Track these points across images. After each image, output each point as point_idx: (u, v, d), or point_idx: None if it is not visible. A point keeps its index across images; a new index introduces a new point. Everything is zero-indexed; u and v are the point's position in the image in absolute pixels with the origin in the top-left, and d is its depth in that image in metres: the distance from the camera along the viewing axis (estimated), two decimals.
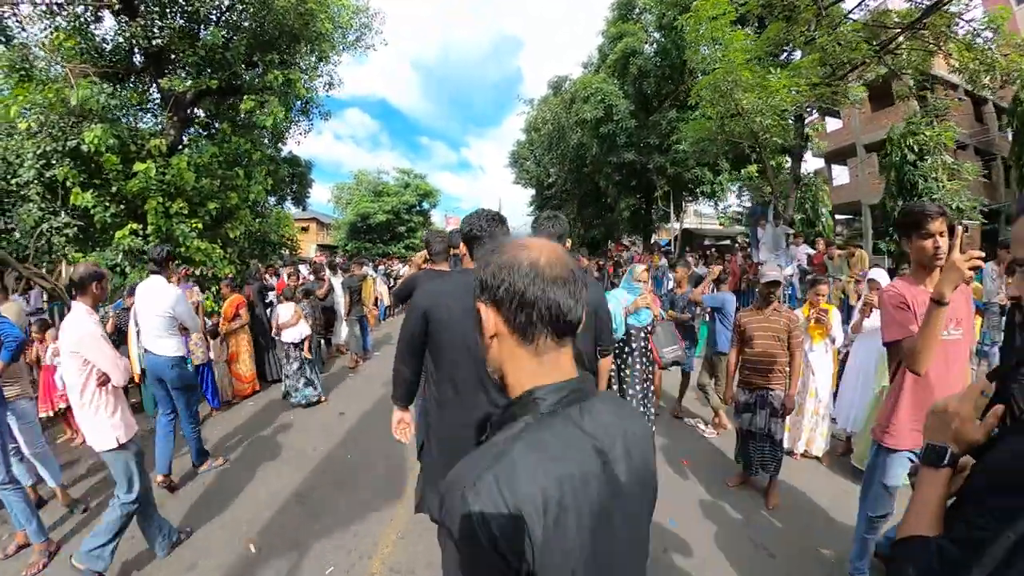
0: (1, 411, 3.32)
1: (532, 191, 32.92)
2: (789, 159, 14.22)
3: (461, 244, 2.40)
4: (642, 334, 4.15)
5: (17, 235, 8.23)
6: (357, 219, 33.32)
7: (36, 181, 7.56)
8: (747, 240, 14.64)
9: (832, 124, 21.86)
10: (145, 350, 4.38)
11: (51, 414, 5.24)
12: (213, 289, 8.27)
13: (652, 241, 23.23)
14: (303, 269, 12.67)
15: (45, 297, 8.50)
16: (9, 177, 7.69)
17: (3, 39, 8.56)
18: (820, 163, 24.35)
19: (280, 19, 9.26)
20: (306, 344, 6.50)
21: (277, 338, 6.72)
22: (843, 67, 10.43)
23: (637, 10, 18.59)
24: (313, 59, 11.37)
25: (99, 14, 9.06)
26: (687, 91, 14.43)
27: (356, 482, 4.39)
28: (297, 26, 9.53)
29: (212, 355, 6.44)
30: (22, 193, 7.75)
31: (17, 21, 8.69)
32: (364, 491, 4.20)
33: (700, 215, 28.53)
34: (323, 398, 6.65)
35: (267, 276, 10.96)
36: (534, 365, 0.86)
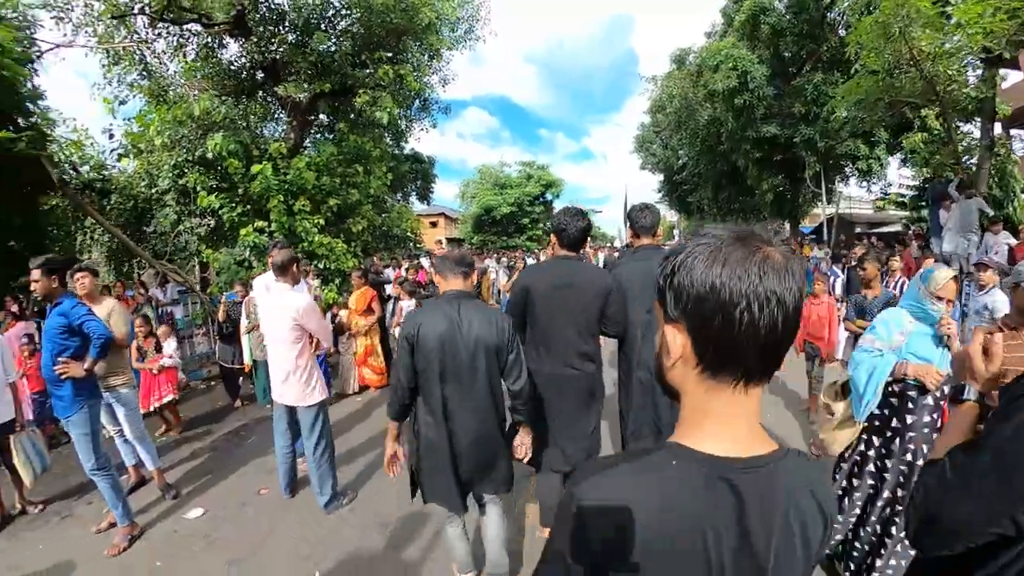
0: (98, 402, 3.73)
1: (661, 176, 31.60)
2: (966, 123, 11.70)
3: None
4: (927, 401, 2.67)
5: (156, 236, 9.73)
6: (481, 212, 34.99)
7: (172, 189, 8.83)
8: (922, 226, 12.39)
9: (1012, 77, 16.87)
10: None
11: (150, 410, 5.87)
12: (336, 282, 9.02)
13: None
14: (424, 262, 12.92)
15: (178, 290, 9.79)
16: (150, 187, 9.13)
17: (145, 73, 10.27)
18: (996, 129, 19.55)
19: (384, 17, 9.81)
20: None
21: (392, 332, 6.70)
22: None
23: None
24: (425, 58, 11.99)
25: (222, 41, 10.52)
26: (835, 47, 12.49)
27: None
28: (401, 22, 10.00)
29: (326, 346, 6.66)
30: (160, 200, 9.13)
31: (155, 56, 10.40)
32: None
33: (849, 198, 25.14)
34: None
35: (382, 269, 11.35)
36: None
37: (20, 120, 7.56)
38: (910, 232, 13.41)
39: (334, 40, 10.19)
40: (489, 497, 2.80)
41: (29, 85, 8.12)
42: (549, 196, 36.13)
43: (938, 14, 7.84)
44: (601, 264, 12.41)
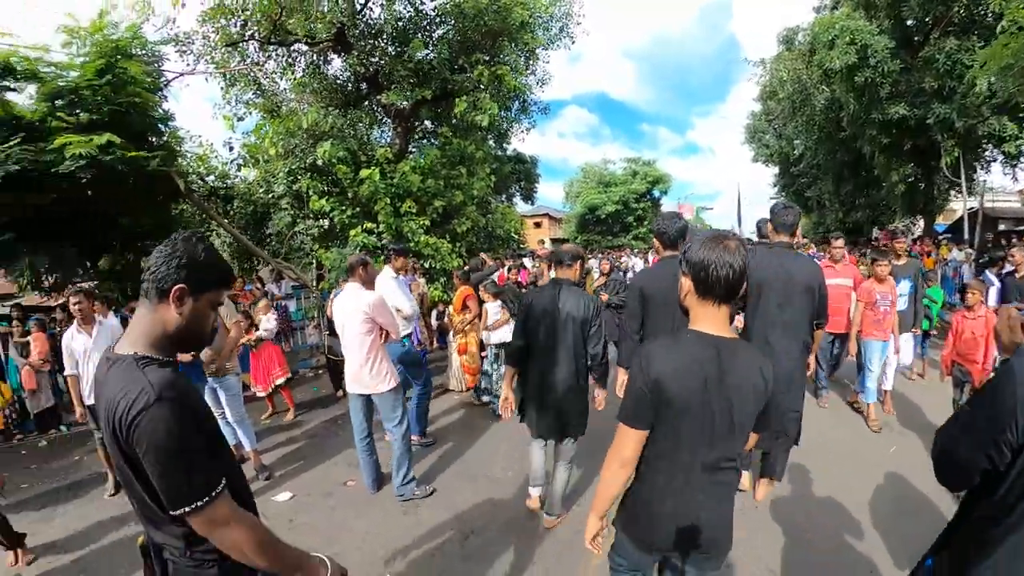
0: (202, 385, 4.51)
1: (775, 169, 29.84)
2: None
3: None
4: None
5: (274, 237, 10.92)
6: (585, 211, 35.23)
7: (287, 194, 9.95)
8: None
9: None
10: None
11: (268, 392, 6.60)
12: (441, 280, 9.71)
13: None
14: (527, 263, 13.13)
15: (292, 285, 11.02)
16: (267, 192, 10.31)
17: (259, 91, 11.78)
18: None
19: (478, 20, 10.38)
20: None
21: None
22: None
23: None
24: (521, 59, 12.39)
25: (327, 57, 11.69)
26: (969, 6, 11.10)
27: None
28: (495, 23, 10.50)
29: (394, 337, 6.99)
30: (277, 204, 10.24)
31: (267, 76, 11.80)
32: None
33: (991, 189, 22.16)
34: None
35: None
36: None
37: (153, 139, 8.67)
38: None
39: (431, 47, 10.89)
40: (566, 439, 3.62)
41: (160, 110, 9.24)
42: (656, 193, 35.77)
43: None
44: None
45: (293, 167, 9.64)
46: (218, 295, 1.49)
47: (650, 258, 14.93)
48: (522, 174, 20.69)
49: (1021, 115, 13.65)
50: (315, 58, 11.71)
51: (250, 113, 12.02)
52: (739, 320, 3.83)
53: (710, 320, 1.62)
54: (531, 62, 13.21)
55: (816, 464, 4.49)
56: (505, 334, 6.17)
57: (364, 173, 9.08)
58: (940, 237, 16.61)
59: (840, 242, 6.09)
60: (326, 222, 9.73)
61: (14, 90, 7.61)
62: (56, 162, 6.76)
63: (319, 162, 9.22)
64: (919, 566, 1.61)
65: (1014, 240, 12.14)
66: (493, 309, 6.52)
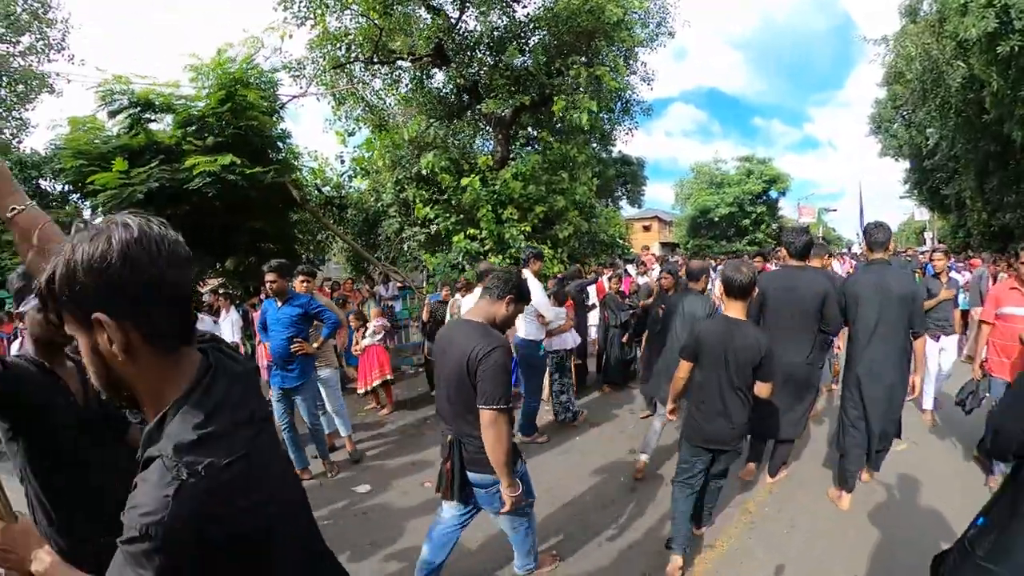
0: (315, 375, 5.02)
1: (906, 164, 27.58)
2: None
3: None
4: None
5: (384, 242, 11.63)
6: (696, 214, 33.80)
7: (394, 202, 10.48)
8: None
9: None
10: None
11: (366, 390, 6.89)
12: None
13: None
14: (630, 269, 12.67)
15: (398, 286, 11.52)
16: (377, 201, 11.04)
17: (367, 108, 12.52)
18: None
19: (572, 22, 10.42)
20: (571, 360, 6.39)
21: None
22: None
23: None
24: (621, 59, 12.32)
25: (429, 72, 12.26)
26: None
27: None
28: (589, 22, 10.47)
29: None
30: (385, 212, 10.85)
31: (374, 93, 12.73)
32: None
33: None
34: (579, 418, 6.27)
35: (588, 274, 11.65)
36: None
37: (272, 156, 9.58)
38: None
39: (527, 54, 11.12)
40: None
41: (278, 129, 10.17)
42: (773, 193, 33.66)
43: None
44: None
45: (400, 177, 10.18)
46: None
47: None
48: (628, 176, 20.43)
49: None
50: (417, 73, 12.30)
51: (359, 128, 12.81)
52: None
53: (732, 309, 3.08)
54: (631, 60, 13.16)
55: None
56: (564, 341, 5.94)
57: (465, 181, 9.40)
58: None
59: None
60: (431, 229, 10.12)
61: (154, 121, 8.94)
62: (188, 179, 7.84)
63: (423, 172, 9.64)
64: (972, 524, 1.76)
65: None
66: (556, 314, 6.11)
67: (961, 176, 22.21)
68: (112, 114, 8.67)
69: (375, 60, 11.51)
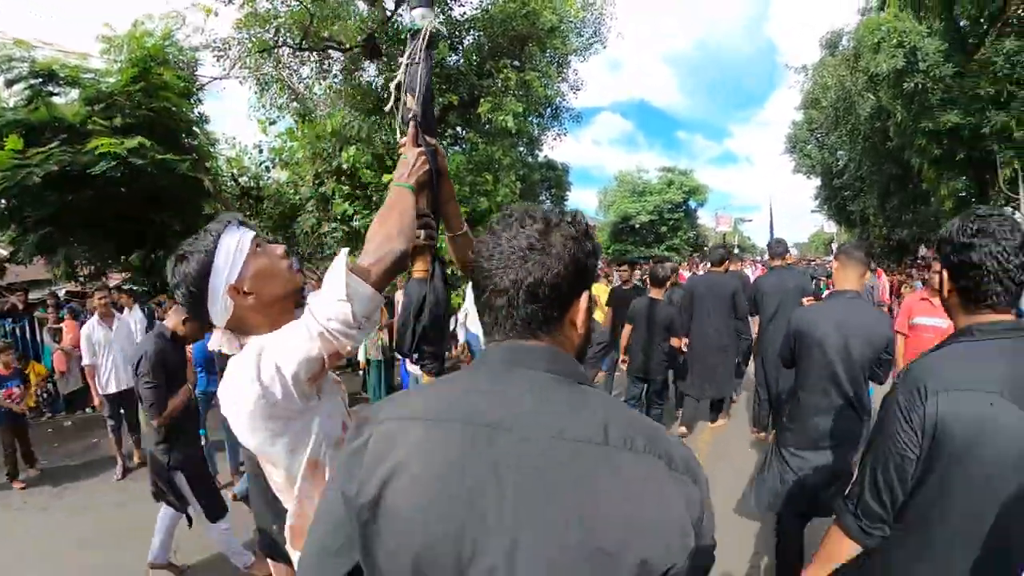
0: None
1: (817, 181, 28.99)
2: None
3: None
4: None
5: (302, 238, 10.86)
6: (619, 220, 34.30)
7: (313, 196, 9.89)
8: None
9: None
10: None
11: None
12: (463, 288, 9.57)
13: None
14: None
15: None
16: (294, 194, 10.26)
17: (294, 96, 11.99)
18: None
19: (506, 25, 10.33)
20: None
21: None
22: None
23: None
24: (553, 66, 12.45)
25: (360, 63, 11.70)
26: None
27: None
28: (524, 27, 10.41)
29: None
30: (304, 206, 10.21)
31: (300, 81, 12.09)
32: None
33: None
34: None
35: None
36: None
37: (187, 141, 9.00)
38: None
39: (460, 53, 10.88)
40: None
41: (194, 113, 9.60)
42: (693, 203, 34.46)
43: None
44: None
45: (320, 170, 9.71)
46: None
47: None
48: (552, 181, 20.39)
49: None
50: (348, 64, 11.81)
51: (283, 116, 12.24)
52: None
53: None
54: (563, 68, 13.18)
55: None
56: None
57: (387, 178, 8.95)
58: None
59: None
60: (352, 225, 9.70)
61: (57, 95, 8.09)
62: (92, 163, 7.13)
63: (344, 166, 9.26)
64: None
65: None
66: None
67: (866, 195, 23.51)
68: (8, 83, 7.83)
69: (304, 46, 11.03)
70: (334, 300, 1.05)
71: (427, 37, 1.61)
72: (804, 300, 5.00)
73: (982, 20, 13.63)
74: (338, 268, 1.07)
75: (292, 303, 1.28)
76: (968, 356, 1.24)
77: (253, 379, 1.05)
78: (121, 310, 7.50)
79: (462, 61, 10.64)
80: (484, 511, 0.65)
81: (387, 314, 6.84)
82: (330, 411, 1.25)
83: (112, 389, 5.25)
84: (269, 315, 1.22)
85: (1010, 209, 14.45)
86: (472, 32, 11.17)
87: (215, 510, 3.20)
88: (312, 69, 12.14)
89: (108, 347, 5.20)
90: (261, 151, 10.87)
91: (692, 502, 0.68)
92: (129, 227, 8.58)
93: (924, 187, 18.07)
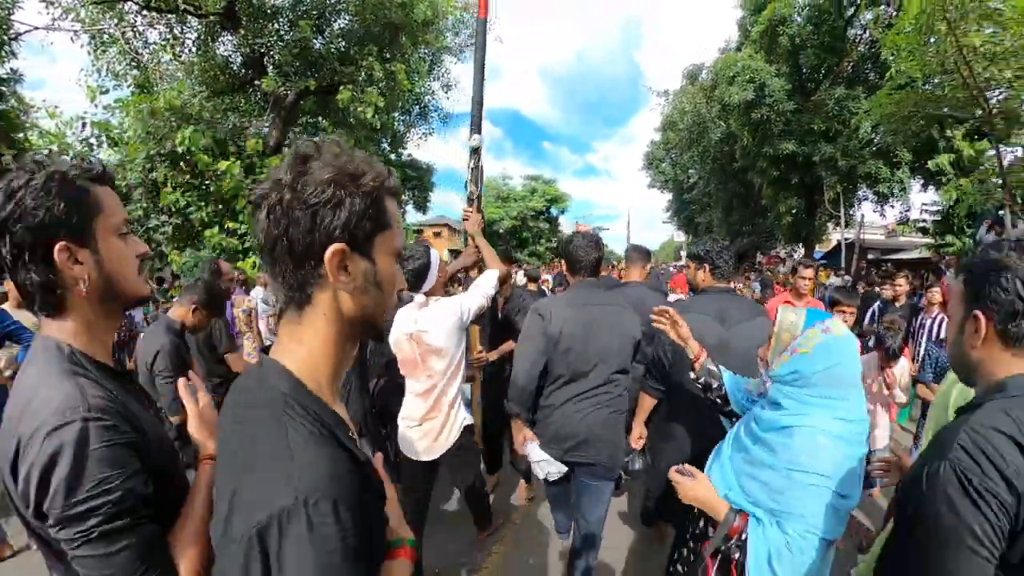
0: None
1: (669, 196, 30.51)
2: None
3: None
4: None
5: None
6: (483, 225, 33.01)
7: (141, 183, 8.09)
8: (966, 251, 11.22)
9: None
10: None
11: None
12: None
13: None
14: None
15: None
16: (120, 179, 8.26)
17: (136, 63, 9.68)
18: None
19: (380, 12, 9.25)
20: None
21: None
22: None
23: None
24: (426, 64, 11.75)
25: (216, 34, 9.79)
26: (857, 62, 11.53)
27: None
28: (398, 16, 9.42)
29: None
30: (130, 193, 8.32)
31: (146, 46, 9.83)
32: None
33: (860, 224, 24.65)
34: None
35: None
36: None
37: None
38: (945, 259, 12.09)
39: (326, 35, 9.66)
40: None
41: (7, 69, 7.88)
42: (555, 211, 34.66)
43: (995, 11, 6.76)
44: None
45: (152, 152, 7.94)
46: None
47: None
48: (415, 181, 19.27)
49: (895, 160, 14.67)
50: (203, 33, 9.84)
51: (120, 86, 9.94)
52: None
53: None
54: (436, 66, 12.37)
55: None
56: None
57: (222, 165, 7.63)
58: (818, 263, 17.45)
59: (810, 272, 4.49)
60: (181, 219, 8.18)
61: None
62: None
63: (179, 149, 7.66)
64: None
65: (884, 268, 12.66)
66: None
67: (712, 209, 25.22)
68: None
69: (153, 5, 8.99)
70: (486, 292, 2.54)
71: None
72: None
73: (821, 69, 15.19)
74: (492, 277, 2.60)
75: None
76: None
77: (456, 311, 2.37)
78: None
79: (327, 44, 9.37)
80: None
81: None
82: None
83: None
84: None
85: None
86: (344, 16, 9.95)
87: None
88: (161, 34, 9.91)
89: None
90: (84, 125, 8.75)
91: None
92: None
93: (763, 203, 19.87)
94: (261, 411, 0.66)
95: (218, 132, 8.23)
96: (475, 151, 3.06)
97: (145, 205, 8.19)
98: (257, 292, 7.61)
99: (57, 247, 0.83)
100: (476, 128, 3.11)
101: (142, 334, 4.39)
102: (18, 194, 0.81)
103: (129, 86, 9.78)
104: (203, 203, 7.88)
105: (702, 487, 1.49)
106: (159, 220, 8.24)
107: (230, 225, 7.86)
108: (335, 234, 0.68)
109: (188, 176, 7.95)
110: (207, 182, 7.92)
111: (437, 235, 40.25)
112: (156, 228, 8.27)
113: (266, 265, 0.71)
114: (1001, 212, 7.10)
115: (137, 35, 9.71)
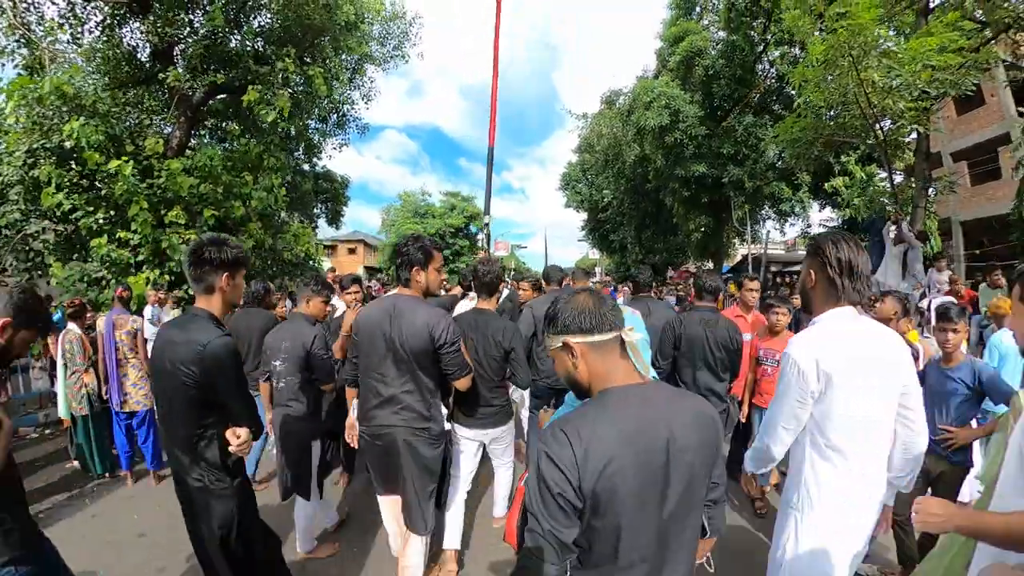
0: None
1: (585, 215, 31.08)
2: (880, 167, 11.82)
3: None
4: None
5: None
6: (400, 241, 31.52)
7: (21, 181, 6.80)
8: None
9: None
10: None
11: None
12: None
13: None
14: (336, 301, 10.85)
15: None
16: None
17: (26, 41, 8.11)
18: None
19: (302, 11, 8.53)
20: None
21: None
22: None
23: (699, 8, 17.18)
24: (348, 72, 11.01)
25: (125, 18, 8.55)
26: (765, 93, 12.22)
27: None
28: (320, 17, 8.73)
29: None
30: (5, 193, 7.02)
31: (40, 23, 8.27)
32: None
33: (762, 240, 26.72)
34: None
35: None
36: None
37: None
38: None
39: (243, 31, 8.72)
40: None
41: None
42: (473, 228, 33.12)
43: (893, 51, 7.39)
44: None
45: (36, 146, 6.67)
46: None
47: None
48: (329, 193, 17.98)
49: (796, 182, 15.81)
50: (109, 16, 8.49)
51: (4, 65, 8.17)
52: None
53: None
54: (356, 75, 11.75)
55: None
56: None
57: (113, 165, 6.52)
58: (725, 276, 18.41)
59: (756, 284, 4.45)
60: (67, 225, 7.00)
61: None
62: None
63: (66, 144, 6.50)
64: None
65: (783, 280, 13.47)
66: None
67: (625, 227, 25.67)
68: None
69: None
70: None
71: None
72: None
73: (732, 98, 15.79)
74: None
75: None
76: None
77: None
78: None
79: (243, 41, 8.50)
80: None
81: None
82: None
83: None
84: None
85: None
86: (264, 12, 9.08)
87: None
88: (60, 11, 8.45)
89: None
90: None
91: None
92: None
93: (675, 221, 20.49)
94: None
95: (114, 128, 7.08)
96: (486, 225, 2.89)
97: (23, 207, 6.94)
98: (148, 311, 6.66)
99: None
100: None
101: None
102: None
103: (16, 66, 8.13)
104: (92, 208, 6.73)
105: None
106: (39, 226, 7.00)
107: (121, 235, 6.76)
108: None
109: (76, 176, 6.76)
110: (98, 184, 6.78)
111: (352, 251, 38.60)
112: (35, 235, 7.02)
113: None
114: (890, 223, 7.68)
115: (32, 8, 8.27)
